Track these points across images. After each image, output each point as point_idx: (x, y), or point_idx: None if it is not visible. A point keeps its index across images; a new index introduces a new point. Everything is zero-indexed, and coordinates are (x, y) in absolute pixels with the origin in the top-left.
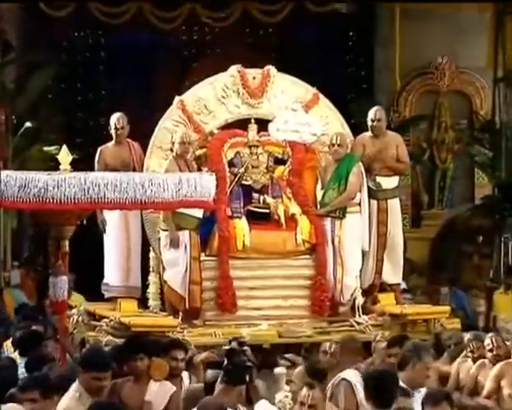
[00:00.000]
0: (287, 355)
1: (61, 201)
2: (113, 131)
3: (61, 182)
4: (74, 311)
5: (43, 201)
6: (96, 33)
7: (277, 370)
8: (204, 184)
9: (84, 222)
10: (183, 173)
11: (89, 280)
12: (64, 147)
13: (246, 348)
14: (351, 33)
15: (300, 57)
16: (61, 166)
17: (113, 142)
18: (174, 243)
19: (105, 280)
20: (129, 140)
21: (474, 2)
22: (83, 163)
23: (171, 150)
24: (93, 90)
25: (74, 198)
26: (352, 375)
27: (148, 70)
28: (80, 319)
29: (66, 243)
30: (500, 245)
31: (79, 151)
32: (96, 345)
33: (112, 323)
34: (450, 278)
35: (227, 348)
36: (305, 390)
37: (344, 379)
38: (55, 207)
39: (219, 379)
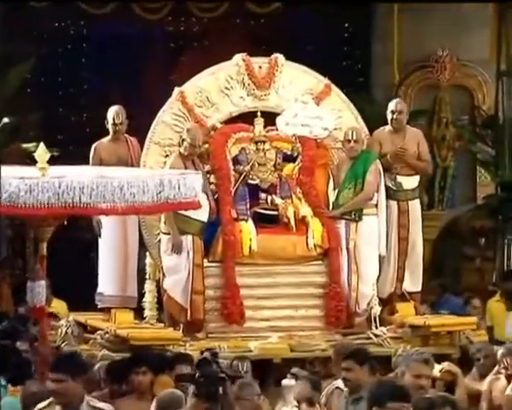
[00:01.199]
0: (293, 370)
1: (33, 206)
2: (110, 126)
3: (34, 186)
4: (62, 322)
5: (14, 206)
6: (77, 24)
7: (285, 382)
8: (188, 184)
9: (65, 223)
10: (164, 174)
11: (72, 286)
12: (41, 144)
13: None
14: (346, 24)
15: (294, 49)
16: (37, 165)
17: (109, 137)
18: (177, 248)
19: (99, 289)
20: (126, 135)
21: (474, 2)
22: (63, 161)
23: (180, 145)
24: (75, 85)
25: (48, 203)
26: None
27: (132, 63)
28: (69, 330)
29: (44, 245)
30: (503, 248)
31: (60, 149)
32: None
33: (107, 336)
34: (442, 282)
35: (199, 358)
36: (304, 407)
37: (338, 388)
38: (27, 212)
39: (190, 392)
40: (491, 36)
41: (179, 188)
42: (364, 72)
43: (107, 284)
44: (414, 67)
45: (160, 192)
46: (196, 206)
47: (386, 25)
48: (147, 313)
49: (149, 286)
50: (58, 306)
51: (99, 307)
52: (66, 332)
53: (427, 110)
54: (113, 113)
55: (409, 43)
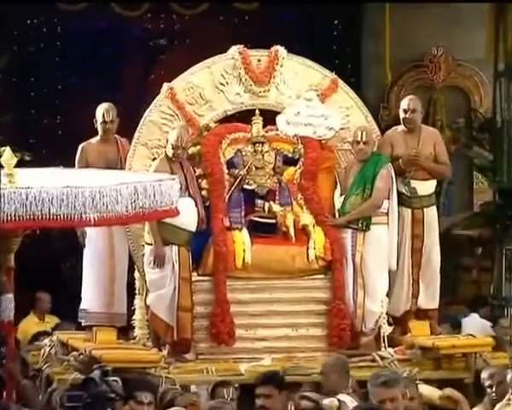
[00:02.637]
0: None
1: None
2: (99, 126)
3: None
4: (46, 341)
5: None
6: (51, 21)
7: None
8: (164, 192)
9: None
10: (139, 182)
11: (66, 300)
12: (7, 149)
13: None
14: (335, 22)
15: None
16: (3, 171)
17: (97, 138)
18: (159, 261)
19: (83, 305)
20: (117, 136)
21: (472, 2)
22: (36, 166)
23: (165, 148)
24: (48, 85)
25: (15, 215)
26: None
27: (109, 63)
28: (53, 351)
29: (12, 256)
30: (502, 258)
31: (32, 153)
32: None
33: (81, 357)
34: None
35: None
36: None
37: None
38: None
39: None
40: (488, 34)
41: (155, 196)
42: (355, 72)
43: (91, 299)
44: (407, 67)
45: (134, 201)
46: (174, 214)
47: (378, 22)
48: (136, 331)
49: (139, 302)
50: (52, 320)
51: (83, 324)
52: (49, 353)
53: None
54: (103, 110)
55: (401, 41)
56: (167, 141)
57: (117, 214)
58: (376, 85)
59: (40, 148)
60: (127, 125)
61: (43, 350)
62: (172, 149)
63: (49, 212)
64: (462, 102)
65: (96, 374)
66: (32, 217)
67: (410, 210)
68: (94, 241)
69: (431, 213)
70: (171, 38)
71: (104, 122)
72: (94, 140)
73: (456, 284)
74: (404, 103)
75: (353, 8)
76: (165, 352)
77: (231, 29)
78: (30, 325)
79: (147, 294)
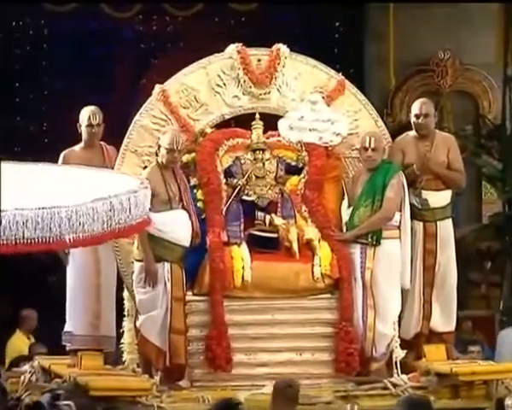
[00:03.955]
0: None
1: None
2: (84, 130)
3: None
4: (26, 367)
5: None
6: (37, 23)
7: None
8: (139, 203)
9: None
10: (115, 197)
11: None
12: None
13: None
14: (337, 23)
15: None
16: None
17: (81, 144)
18: (151, 279)
19: (67, 327)
20: (103, 143)
21: (480, 2)
22: None
23: (157, 155)
24: (34, 91)
25: None
26: None
27: (99, 67)
28: (34, 378)
29: None
30: (511, 272)
31: (17, 161)
32: None
33: (65, 384)
34: None
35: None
36: None
37: None
38: None
39: None
40: (497, 36)
41: (130, 210)
42: (357, 76)
43: (76, 321)
44: (412, 72)
45: (110, 218)
46: (147, 224)
47: (381, 24)
48: (125, 356)
49: (128, 324)
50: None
51: (67, 349)
52: (29, 380)
53: None
54: (89, 112)
55: (406, 44)
56: (159, 147)
57: (92, 234)
58: (379, 90)
59: (25, 156)
60: (117, 132)
61: (22, 377)
62: (167, 153)
63: (23, 236)
64: (470, 109)
65: (45, 398)
66: (4, 242)
67: (421, 223)
68: (78, 257)
69: (445, 227)
70: (164, 41)
71: (90, 126)
72: (77, 147)
73: (464, 300)
74: (415, 107)
75: (355, 8)
76: (157, 379)
77: (227, 31)
78: (19, 343)
79: (137, 315)
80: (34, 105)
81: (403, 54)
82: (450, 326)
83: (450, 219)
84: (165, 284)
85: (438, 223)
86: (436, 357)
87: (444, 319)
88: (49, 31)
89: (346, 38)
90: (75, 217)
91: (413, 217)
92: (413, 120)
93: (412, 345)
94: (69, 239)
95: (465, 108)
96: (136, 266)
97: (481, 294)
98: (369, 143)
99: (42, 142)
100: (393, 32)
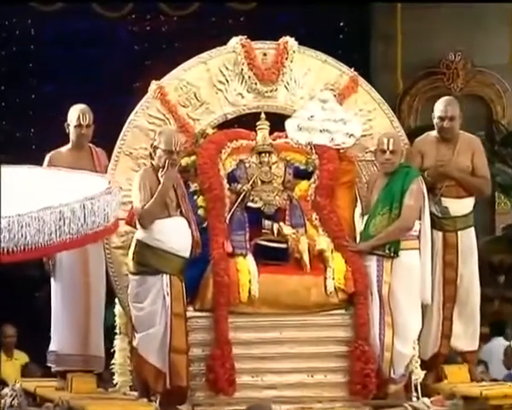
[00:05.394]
0: None
1: None
2: (72, 130)
3: None
4: (6, 390)
5: None
6: (24, 22)
7: None
8: (98, 210)
9: None
10: (65, 205)
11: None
12: None
13: None
14: (341, 23)
15: None
16: None
17: (69, 146)
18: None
19: (52, 346)
20: (92, 145)
21: (485, 2)
22: None
23: (151, 157)
24: (20, 94)
25: None
26: None
27: (89, 69)
28: (15, 401)
29: None
30: None
31: None
32: None
33: (57, 409)
34: None
35: None
36: None
37: None
38: None
39: None
40: (511, 37)
41: (85, 218)
42: (363, 79)
43: (62, 339)
44: (421, 74)
45: (59, 228)
46: (110, 232)
47: (388, 24)
48: (117, 378)
49: (120, 344)
50: (21, 358)
51: (53, 370)
52: (11, 404)
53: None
54: (78, 111)
55: (414, 45)
56: (154, 148)
57: (37, 246)
58: (387, 94)
59: (12, 163)
60: (108, 137)
61: (3, 401)
62: (164, 155)
63: None
64: (483, 113)
65: None
66: None
67: (441, 233)
68: (65, 268)
69: (467, 238)
70: (159, 42)
71: (79, 126)
72: (64, 148)
73: None
74: (439, 108)
75: (360, 7)
76: (155, 403)
77: (224, 31)
78: None
79: (133, 334)
80: (21, 109)
81: (411, 55)
82: (474, 345)
83: (473, 229)
84: (164, 298)
85: (459, 233)
86: (459, 378)
87: (467, 338)
88: (36, 31)
89: (351, 38)
90: (17, 227)
91: (432, 226)
92: (436, 121)
93: (430, 366)
94: (7, 251)
95: (477, 112)
96: (132, 279)
97: (494, 309)
98: (387, 145)
99: (29, 148)
100: (401, 32)
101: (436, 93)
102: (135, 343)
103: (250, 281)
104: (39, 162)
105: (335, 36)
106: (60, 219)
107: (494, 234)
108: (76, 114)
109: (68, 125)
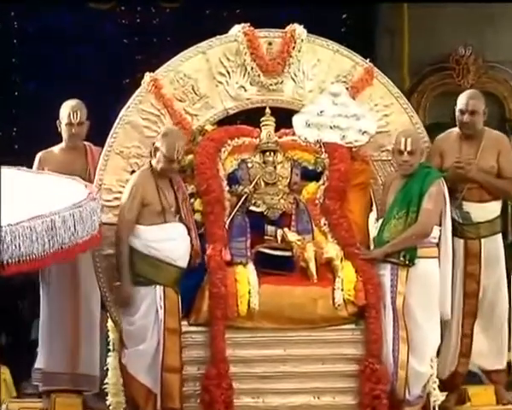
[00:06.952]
0: None
1: None
2: (63, 129)
3: None
4: None
5: None
6: (6, 15)
7: None
8: (85, 218)
9: None
10: (57, 214)
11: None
12: None
13: None
14: (344, 16)
15: None
16: None
17: (61, 145)
18: (123, 304)
19: (38, 364)
20: (87, 143)
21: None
22: None
23: (152, 156)
24: (3, 92)
25: None
26: None
27: (76, 64)
28: None
29: None
30: None
31: None
32: None
33: None
34: None
35: None
36: None
37: None
38: None
39: None
40: None
41: (75, 227)
42: None
43: (49, 356)
44: (429, 70)
45: (52, 238)
46: (96, 241)
47: (394, 18)
48: (110, 399)
49: (113, 361)
50: (4, 372)
51: (40, 389)
52: None
53: (445, 123)
54: (69, 109)
55: (422, 40)
56: (156, 149)
57: (31, 257)
58: None
59: None
60: (101, 135)
61: None
62: (164, 161)
63: None
64: (495, 111)
65: None
66: None
67: (462, 241)
68: (54, 278)
69: (493, 245)
70: (149, 35)
71: (70, 124)
72: (56, 148)
73: None
74: (461, 102)
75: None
76: None
77: (220, 25)
78: None
79: (122, 349)
80: (3, 108)
81: (418, 51)
82: (501, 364)
83: (500, 235)
84: (157, 311)
85: (482, 240)
86: (484, 401)
87: (493, 356)
88: (19, 25)
89: (355, 32)
90: (10, 238)
91: (453, 233)
92: (457, 115)
93: (448, 386)
94: (2, 264)
95: (489, 110)
96: None
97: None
98: (405, 146)
99: (12, 149)
100: (408, 27)
101: (445, 90)
102: (124, 360)
103: (250, 292)
104: (22, 163)
105: (338, 29)
106: (52, 229)
107: (507, 240)
108: (66, 111)
109: (60, 122)
